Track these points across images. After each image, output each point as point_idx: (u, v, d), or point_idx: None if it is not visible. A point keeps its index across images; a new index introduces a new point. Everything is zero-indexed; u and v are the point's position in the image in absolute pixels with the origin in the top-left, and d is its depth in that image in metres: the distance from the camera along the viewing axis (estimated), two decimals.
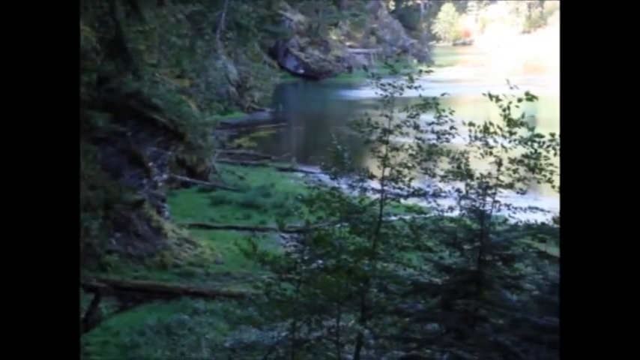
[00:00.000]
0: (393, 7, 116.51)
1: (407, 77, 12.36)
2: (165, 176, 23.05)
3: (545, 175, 10.93)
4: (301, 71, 74.64)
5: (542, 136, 10.80)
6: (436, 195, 12.27)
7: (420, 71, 12.75)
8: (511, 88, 10.84)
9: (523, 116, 10.91)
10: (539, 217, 11.40)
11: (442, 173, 11.99)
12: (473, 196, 11.09)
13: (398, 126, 12.30)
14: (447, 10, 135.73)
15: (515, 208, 11.12)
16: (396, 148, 12.29)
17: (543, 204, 11.53)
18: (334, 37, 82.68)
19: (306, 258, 11.46)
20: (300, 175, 32.07)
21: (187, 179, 29.94)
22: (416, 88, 12.31)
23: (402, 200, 12.49)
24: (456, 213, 11.56)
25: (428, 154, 12.21)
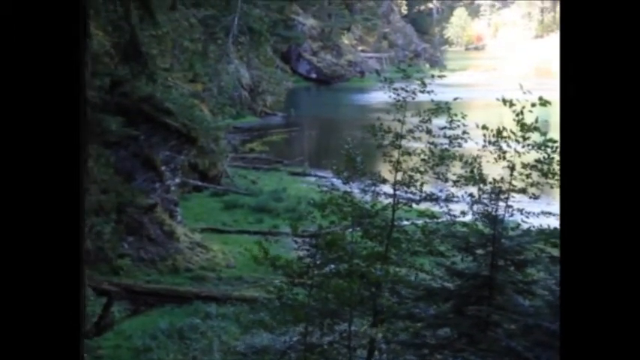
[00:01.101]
0: (405, 12, 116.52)
1: (419, 82, 12.37)
2: (177, 180, 23.08)
3: (558, 180, 10.91)
4: (313, 75, 74.66)
5: (555, 141, 10.78)
6: (448, 200, 12.28)
7: (433, 76, 12.75)
8: (524, 92, 10.83)
9: (537, 121, 10.90)
10: (551, 222, 11.38)
11: (454, 178, 11.98)
12: (485, 201, 11.07)
13: (410, 130, 12.30)
14: (460, 14, 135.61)
15: (528, 213, 11.10)
16: (408, 153, 12.29)
17: (556, 209, 11.47)
18: (346, 42, 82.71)
19: (318, 262, 11.46)
20: (313, 179, 32.07)
21: (200, 183, 29.98)
22: (428, 92, 12.31)
23: (415, 205, 12.49)
24: (468, 218, 11.55)
25: (440, 158, 12.20)
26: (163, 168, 21.43)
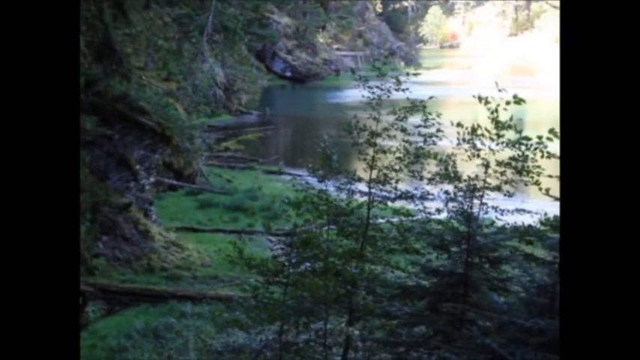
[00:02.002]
0: (380, 10, 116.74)
1: (394, 80, 12.36)
2: (152, 179, 23.02)
3: (532, 178, 10.94)
4: (288, 74, 74.66)
5: (529, 139, 10.81)
6: (423, 197, 12.30)
7: (408, 74, 12.75)
8: (499, 90, 10.85)
9: (511, 119, 10.92)
10: (526, 219, 11.41)
11: (429, 176, 12.00)
12: (460, 199, 11.09)
13: (385, 129, 12.31)
14: (434, 12, 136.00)
15: (503, 211, 11.13)
16: (383, 151, 12.29)
17: (530, 206, 11.54)
18: (321, 40, 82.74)
19: (293, 261, 11.46)
20: (288, 177, 32.03)
21: (174, 182, 29.90)
22: (403, 90, 12.32)
23: (390, 203, 12.49)
24: (443, 215, 11.56)
25: (415, 156, 12.22)
26: (138, 167, 21.35)
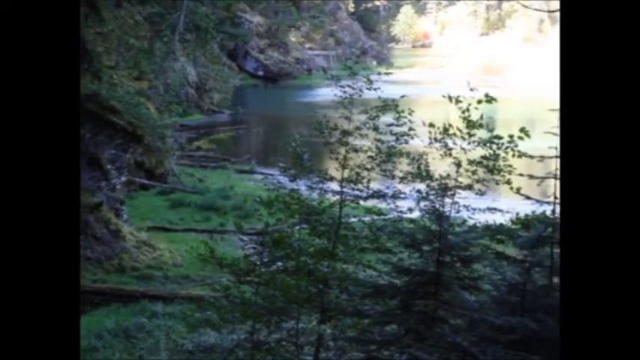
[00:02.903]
0: (352, 9, 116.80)
1: (366, 79, 12.37)
2: (123, 179, 22.91)
3: (503, 176, 10.99)
4: (261, 73, 74.59)
5: (500, 138, 10.86)
6: (395, 196, 12.30)
7: (379, 73, 12.77)
8: (471, 89, 10.89)
9: (482, 118, 10.96)
10: (497, 218, 11.46)
11: (401, 175, 12.02)
12: (432, 198, 11.11)
13: (357, 128, 12.32)
14: (406, 12, 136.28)
15: (474, 209, 11.16)
16: (355, 150, 12.30)
17: (502, 205, 11.59)
18: (293, 39, 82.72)
19: (265, 260, 11.44)
20: (260, 177, 31.98)
21: (146, 182, 29.80)
22: (375, 89, 12.33)
23: (362, 202, 12.51)
24: (415, 214, 11.58)
25: (387, 155, 12.24)
26: (109, 166, 21.25)
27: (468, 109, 10.90)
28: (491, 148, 10.91)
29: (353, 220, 12.71)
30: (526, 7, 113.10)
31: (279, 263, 11.81)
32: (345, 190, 12.22)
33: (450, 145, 11.21)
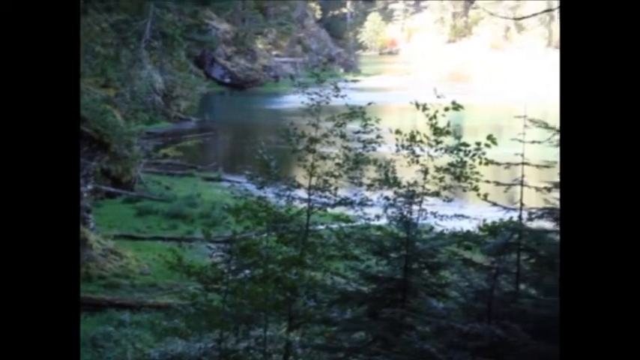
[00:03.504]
0: (319, 16, 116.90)
1: (333, 86, 12.39)
2: (90, 187, 22.76)
3: (470, 183, 11.04)
4: (228, 80, 74.49)
5: (467, 145, 10.91)
6: (363, 204, 12.32)
7: (347, 80, 12.81)
8: (438, 97, 10.93)
9: (449, 125, 11.00)
10: (464, 225, 11.51)
11: (369, 182, 12.04)
12: (399, 205, 11.13)
13: (325, 135, 12.33)
14: (374, 19, 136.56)
15: (442, 216, 11.21)
16: (322, 157, 12.31)
17: (469, 212, 11.64)
18: (261, 46, 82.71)
19: (233, 268, 11.41)
20: (227, 184, 31.92)
21: (112, 190, 29.64)
22: (342, 97, 12.35)
23: (329, 209, 12.51)
24: (382, 221, 11.59)
25: (354, 162, 12.25)
26: None
27: (435, 117, 10.94)
28: (458, 155, 10.96)
29: (321, 227, 12.72)
30: (492, 14, 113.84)
31: (247, 271, 11.80)
32: (312, 197, 12.22)
33: (418, 152, 11.24)
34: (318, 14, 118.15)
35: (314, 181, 12.20)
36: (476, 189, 10.93)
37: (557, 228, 9.87)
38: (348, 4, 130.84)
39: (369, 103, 12.95)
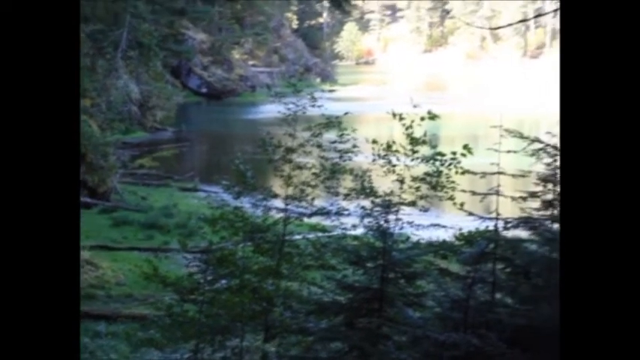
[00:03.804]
0: (296, 26, 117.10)
1: (310, 96, 12.40)
2: None
3: (446, 193, 11.06)
4: (204, 90, 74.31)
5: (443, 155, 10.94)
6: (339, 213, 12.32)
7: (323, 90, 12.82)
8: (414, 106, 10.95)
9: (425, 134, 11.02)
10: (441, 235, 11.54)
11: (345, 192, 12.04)
12: (376, 214, 11.13)
13: (301, 145, 12.34)
14: (350, 29, 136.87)
15: (418, 226, 11.20)
16: (299, 167, 12.31)
17: (445, 221, 11.65)
18: (237, 56, 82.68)
19: (209, 278, 11.37)
20: (203, 194, 31.79)
21: (88, 200, 29.49)
22: (319, 106, 12.36)
23: (306, 219, 12.51)
24: (359, 231, 11.59)
25: (331, 172, 12.26)
26: None
27: (411, 126, 10.96)
28: (434, 164, 10.98)
29: (297, 237, 12.72)
30: (468, 24, 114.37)
31: (223, 281, 11.76)
32: (289, 207, 12.22)
33: (394, 161, 11.25)
34: (295, 24, 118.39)
35: (290, 190, 12.20)
36: (452, 198, 10.95)
37: (533, 237, 9.94)
38: (325, 14, 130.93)
39: (346, 113, 12.97)
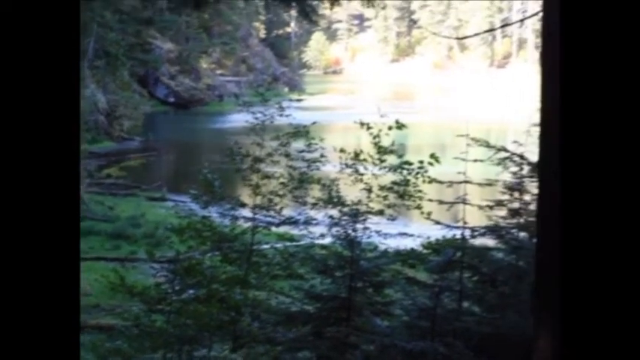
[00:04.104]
0: (263, 36, 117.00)
1: (278, 105, 12.41)
2: None
3: (414, 202, 11.09)
4: (172, 100, 73.97)
5: (411, 164, 10.97)
6: (307, 223, 12.33)
7: (291, 99, 12.83)
8: (381, 116, 10.99)
9: (393, 144, 11.06)
10: (408, 243, 11.57)
11: (313, 201, 12.05)
12: (344, 223, 11.15)
13: (269, 154, 12.34)
14: (318, 38, 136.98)
15: (386, 235, 11.23)
16: (267, 177, 12.31)
17: (413, 230, 11.69)
18: (205, 66, 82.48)
19: (176, 288, 11.33)
20: (171, 204, 31.62)
21: None
22: (287, 116, 12.38)
23: (274, 228, 12.51)
24: (327, 240, 11.61)
25: (299, 182, 12.27)
26: None
27: (378, 135, 10.99)
28: (401, 173, 11.01)
29: (265, 246, 12.72)
30: (435, 34, 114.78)
31: (191, 291, 11.72)
32: (257, 216, 12.21)
33: (362, 170, 11.28)
34: (263, 33, 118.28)
35: (259, 200, 12.19)
36: (419, 207, 10.99)
37: (500, 245, 10.00)
38: (293, 23, 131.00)
39: (314, 123, 12.99)
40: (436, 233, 11.05)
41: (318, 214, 12.05)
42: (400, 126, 11.12)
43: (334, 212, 11.47)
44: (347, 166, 11.36)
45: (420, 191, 11.02)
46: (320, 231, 11.87)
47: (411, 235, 11.28)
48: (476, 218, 10.23)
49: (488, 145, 10.05)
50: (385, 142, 11.06)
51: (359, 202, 11.10)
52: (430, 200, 10.53)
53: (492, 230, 9.94)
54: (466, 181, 9.92)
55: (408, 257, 10.99)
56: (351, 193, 11.42)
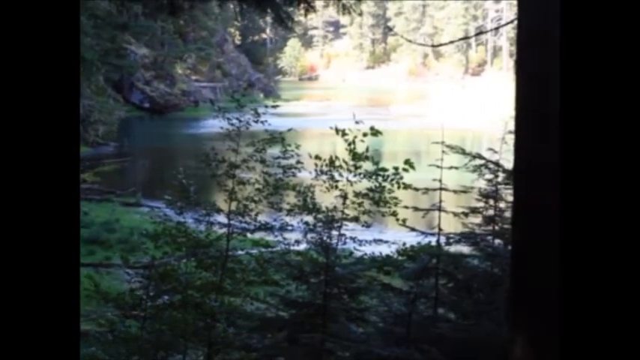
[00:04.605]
0: (239, 42, 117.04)
1: (253, 111, 12.39)
2: None
3: (389, 208, 11.10)
4: (147, 105, 73.78)
5: (386, 170, 10.98)
6: (283, 229, 12.31)
7: (267, 105, 12.82)
8: (357, 122, 11.00)
9: (368, 150, 11.07)
10: (384, 250, 11.58)
11: (288, 207, 12.04)
12: (319, 230, 11.16)
13: (244, 160, 12.31)
14: (293, 45, 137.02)
15: (361, 241, 11.23)
16: (242, 183, 12.29)
17: (388, 236, 11.71)
18: (180, 71, 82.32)
19: (151, 294, 11.31)
20: (146, 209, 31.58)
21: None
22: (262, 122, 12.36)
23: (249, 234, 12.47)
24: (302, 246, 11.61)
25: (274, 188, 12.25)
26: None
27: (353, 142, 11.00)
28: (376, 180, 11.03)
29: (240, 252, 12.68)
30: (410, 41, 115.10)
31: (166, 297, 11.70)
32: (232, 222, 12.18)
33: (337, 177, 11.28)
34: (238, 40, 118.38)
35: (234, 206, 12.17)
36: (394, 214, 11.01)
37: (475, 252, 10.05)
38: (268, 29, 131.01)
39: (289, 129, 12.98)
40: (411, 240, 11.08)
41: (294, 221, 12.04)
42: (375, 132, 11.12)
43: (309, 219, 11.47)
44: (322, 172, 11.36)
45: (395, 198, 11.04)
46: (295, 237, 11.86)
47: (387, 242, 11.29)
48: (451, 225, 10.27)
49: (463, 152, 10.10)
50: (360, 148, 11.07)
51: (334, 208, 11.12)
52: (406, 207, 10.56)
53: (467, 237, 9.98)
54: (441, 189, 9.96)
55: (383, 264, 11.01)
56: (326, 199, 11.43)
